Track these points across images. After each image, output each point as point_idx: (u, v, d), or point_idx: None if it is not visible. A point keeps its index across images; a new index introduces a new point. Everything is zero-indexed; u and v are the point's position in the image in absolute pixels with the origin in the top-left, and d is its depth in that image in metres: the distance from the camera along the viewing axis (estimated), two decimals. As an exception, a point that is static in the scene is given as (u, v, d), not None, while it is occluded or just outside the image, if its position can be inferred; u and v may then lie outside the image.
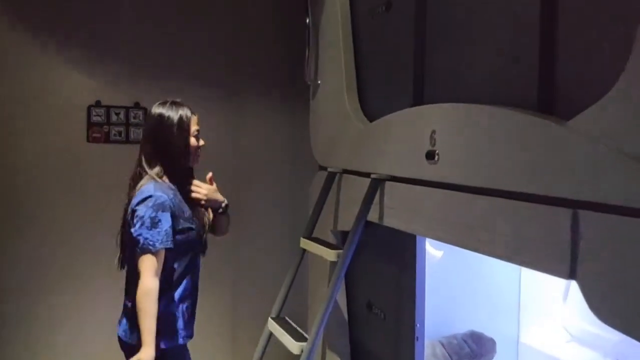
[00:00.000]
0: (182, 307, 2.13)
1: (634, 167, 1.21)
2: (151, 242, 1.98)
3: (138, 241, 2.00)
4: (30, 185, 2.89)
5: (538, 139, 1.46)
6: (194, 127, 2.18)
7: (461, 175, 1.76)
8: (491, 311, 3.07)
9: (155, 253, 1.99)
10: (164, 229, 2.01)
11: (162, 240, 2.00)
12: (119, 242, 2.19)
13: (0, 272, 2.89)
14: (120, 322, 2.18)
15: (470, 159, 1.73)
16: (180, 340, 2.11)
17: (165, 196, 2.05)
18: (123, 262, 2.18)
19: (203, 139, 2.21)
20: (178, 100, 2.20)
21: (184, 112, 2.17)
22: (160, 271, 2.02)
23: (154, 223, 2.00)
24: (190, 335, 2.17)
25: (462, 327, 2.89)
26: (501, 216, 1.58)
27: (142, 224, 2.00)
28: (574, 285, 1.45)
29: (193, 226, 2.15)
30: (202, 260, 2.22)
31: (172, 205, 2.06)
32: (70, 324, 3.01)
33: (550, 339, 3.06)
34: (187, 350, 2.21)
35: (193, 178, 2.24)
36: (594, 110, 1.32)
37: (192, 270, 2.17)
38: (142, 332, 1.97)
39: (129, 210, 2.08)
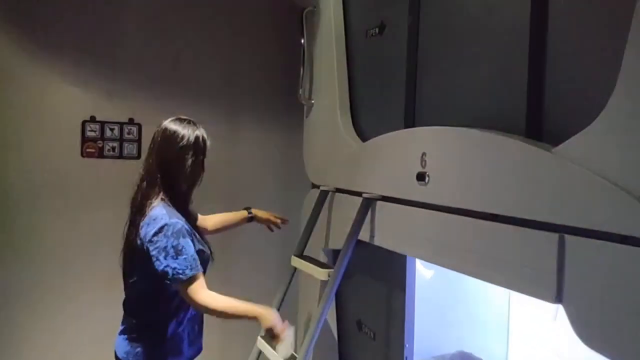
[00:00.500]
0: (189, 327, 2.07)
1: (619, 194, 1.24)
2: (181, 271, 1.89)
3: (167, 273, 1.89)
4: (24, 199, 2.89)
5: (525, 163, 1.49)
6: (206, 153, 2.08)
7: (450, 197, 1.78)
8: (480, 332, 3.07)
9: (187, 280, 1.92)
10: (190, 254, 1.93)
11: (190, 266, 1.91)
12: (121, 264, 2.08)
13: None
14: (119, 342, 2.08)
15: (459, 181, 1.75)
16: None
17: (180, 222, 1.95)
18: (126, 288, 2.09)
19: None
20: (192, 119, 2.09)
21: (201, 132, 2.07)
22: (204, 285, 1.96)
23: (178, 251, 1.90)
24: (196, 352, 2.13)
25: (451, 347, 2.89)
26: (489, 239, 1.60)
27: (166, 255, 1.89)
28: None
29: (204, 248, 2.07)
30: None
31: (187, 229, 1.97)
32: (63, 337, 2.98)
33: (540, 360, 3.08)
34: None
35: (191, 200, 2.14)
36: (581, 138, 1.35)
37: None
38: (248, 314, 1.97)
39: (144, 241, 1.95)
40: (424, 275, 3.02)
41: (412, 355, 2.17)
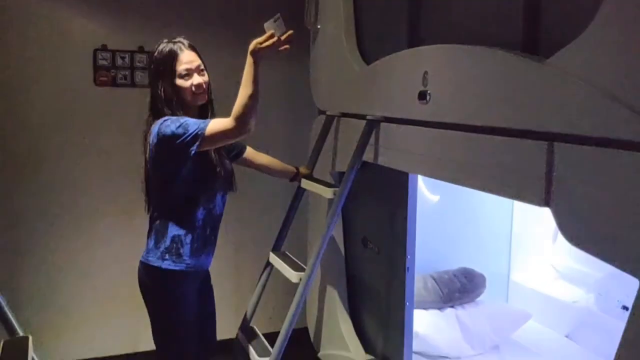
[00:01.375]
0: (191, 236, 2.13)
1: (605, 101, 1.31)
2: (194, 131, 1.95)
3: (176, 135, 1.94)
4: (44, 126, 2.99)
5: (518, 76, 1.55)
6: (180, 67, 2.06)
7: (449, 113, 1.85)
8: (484, 251, 3.22)
9: (202, 134, 1.94)
10: (194, 121, 1.98)
11: (198, 126, 1.96)
12: (143, 187, 2.18)
13: (15, 206, 3.01)
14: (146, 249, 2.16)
15: (457, 97, 1.82)
16: (183, 267, 2.12)
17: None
18: (149, 205, 2.19)
19: (200, 76, 2.09)
20: (175, 38, 2.10)
21: (167, 49, 2.07)
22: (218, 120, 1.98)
23: (185, 124, 1.96)
24: (196, 267, 2.15)
25: (455, 265, 3.04)
26: (483, 150, 1.69)
27: (177, 126, 1.95)
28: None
29: (216, 166, 2.12)
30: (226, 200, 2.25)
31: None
32: (80, 261, 3.16)
33: (539, 277, 3.23)
34: (194, 280, 2.19)
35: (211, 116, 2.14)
36: (571, 48, 1.41)
37: (208, 205, 2.16)
38: (253, 76, 1.93)
39: (151, 140, 2.03)
40: (431, 199, 3.14)
41: (414, 266, 2.29)
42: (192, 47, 2.13)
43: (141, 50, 3.07)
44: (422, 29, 2.17)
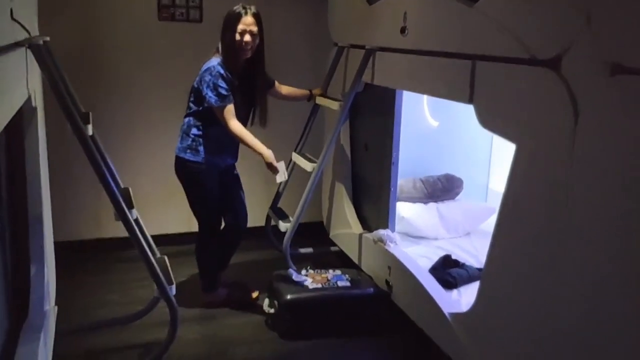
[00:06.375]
0: (210, 141, 2.92)
1: (507, 34, 2.02)
2: (213, 100, 2.79)
3: (204, 98, 2.82)
4: (115, 55, 3.71)
5: (456, 16, 2.27)
6: (240, 26, 2.79)
7: (417, 43, 2.58)
8: (467, 163, 3.95)
9: (217, 107, 2.82)
10: (222, 92, 2.80)
11: (221, 99, 2.80)
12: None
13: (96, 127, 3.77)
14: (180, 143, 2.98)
15: (422, 30, 2.54)
16: (200, 159, 2.92)
17: (222, 69, 2.81)
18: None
19: (252, 37, 2.80)
20: (249, 5, 2.83)
21: (237, 11, 2.81)
22: (232, 114, 2.85)
23: (215, 87, 2.79)
24: (215, 163, 2.96)
25: (440, 172, 3.79)
26: (433, 67, 2.43)
27: (207, 86, 2.79)
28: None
29: (241, 101, 2.92)
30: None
31: (226, 77, 2.82)
32: (144, 153, 3.91)
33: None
34: (214, 174, 2.99)
35: (260, 75, 2.99)
36: (488, -3, 2.11)
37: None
38: (254, 147, 2.88)
39: (200, 72, 2.88)
40: (432, 124, 3.86)
41: (398, 161, 3.05)
42: (255, 15, 2.86)
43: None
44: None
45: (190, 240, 3.33)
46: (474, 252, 3.27)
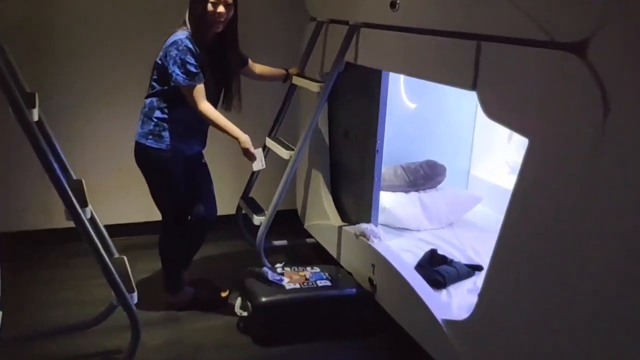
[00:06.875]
0: (175, 125, 2.62)
1: (518, 12, 1.77)
2: (181, 79, 2.49)
3: (171, 76, 2.50)
4: (63, 32, 3.33)
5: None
6: None
7: (412, 19, 2.31)
8: (449, 149, 3.74)
9: (186, 86, 2.52)
10: (191, 69, 2.50)
11: (189, 77, 2.50)
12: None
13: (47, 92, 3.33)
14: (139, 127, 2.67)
15: (419, 6, 2.28)
16: (165, 146, 2.61)
17: (191, 44, 2.52)
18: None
19: (225, 9, 2.52)
20: None
21: None
22: (202, 95, 2.56)
23: (183, 63, 2.49)
24: (180, 150, 2.66)
25: (423, 159, 3.58)
26: (433, 48, 2.17)
27: (174, 63, 2.49)
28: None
29: (210, 80, 2.61)
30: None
31: (195, 53, 2.52)
32: (99, 139, 3.57)
33: (494, 172, 3.78)
34: (179, 162, 2.69)
35: (233, 51, 2.70)
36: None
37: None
38: (228, 131, 2.61)
39: (164, 46, 2.57)
40: (409, 106, 3.62)
41: (382, 149, 2.81)
42: None
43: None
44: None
45: (151, 230, 3.08)
46: (460, 246, 3.08)
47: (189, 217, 2.87)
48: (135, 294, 2.09)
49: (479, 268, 2.77)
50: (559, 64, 1.61)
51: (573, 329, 1.62)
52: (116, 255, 2.30)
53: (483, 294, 2.01)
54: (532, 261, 1.77)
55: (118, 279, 2.01)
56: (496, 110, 1.92)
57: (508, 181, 3.66)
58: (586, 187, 1.55)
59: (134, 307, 2.08)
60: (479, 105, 3.55)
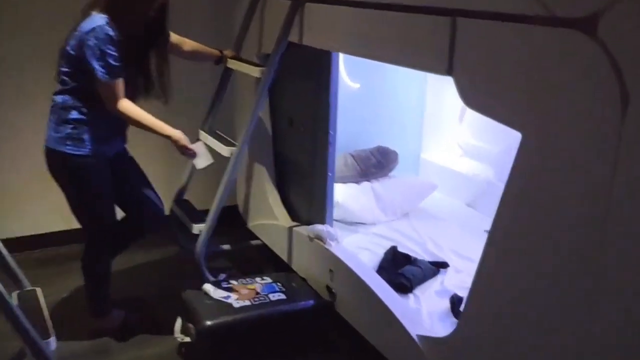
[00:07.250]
0: (97, 126, 2.23)
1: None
2: (100, 73, 2.11)
3: (90, 62, 2.10)
4: None
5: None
6: None
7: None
8: (398, 133, 3.50)
9: (105, 82, 2.14)
10: (112, 62, 2.11)
11: (109, 72, 2.12)
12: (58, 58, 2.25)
13: None
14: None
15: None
16: (87, 151, 2.22)
17: (112, 30, 2.11)
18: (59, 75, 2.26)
19: None
20: None
21: None
22: (121, 93, 2.17)
23: (103, 55, 2.09)
24: (101, 152, 2.26)
25: (373, 145, 3.30)
26: (397, 27, 1.87)
27: (92, 54, 2.09)
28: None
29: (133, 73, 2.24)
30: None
31: (116, 40, 2.12)
32: (10, 142, 3.11)
33: (446, 155, 3.57)
34: (104, 166, 2.31)
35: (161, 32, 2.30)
36: None
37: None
38: (157, 130, 2.24)
39: (78, 34, 2.14)
40: (352, 86, 3.32)
41: (335, 142, 2.50)
42: None
43: None
44: None
45: (71, 239, 2.74)
46: (418, 239, 2.84)
47: (136, 220, 2.52)
48: (53, 339, 1.70)
49: (443, 265, 2.55)
50: (562, 44, 1.35)
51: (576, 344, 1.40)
52: (28, 287, 1.89)
53: (469, 308, 1.77)
54: (526, 270, 1.53)
55: (26, 324, 1.60)
56: (478, 99, 1.65)
57: (461, 164, 3.48)
58: (595, 191, 1.31)
59: (52, 355, 1.68)
60: (428, 83, 3.38)
